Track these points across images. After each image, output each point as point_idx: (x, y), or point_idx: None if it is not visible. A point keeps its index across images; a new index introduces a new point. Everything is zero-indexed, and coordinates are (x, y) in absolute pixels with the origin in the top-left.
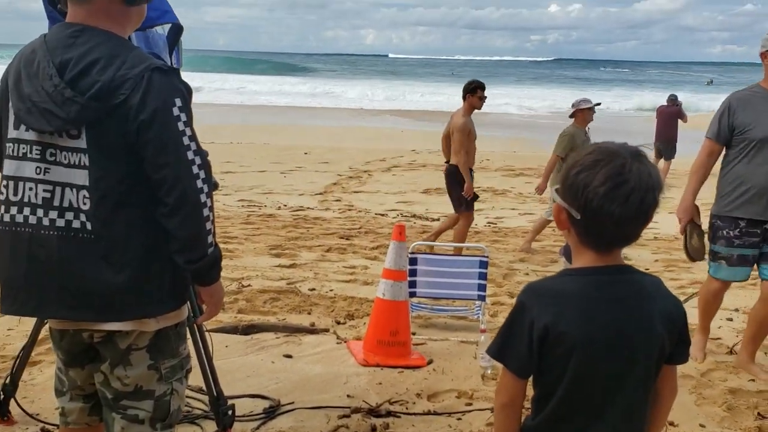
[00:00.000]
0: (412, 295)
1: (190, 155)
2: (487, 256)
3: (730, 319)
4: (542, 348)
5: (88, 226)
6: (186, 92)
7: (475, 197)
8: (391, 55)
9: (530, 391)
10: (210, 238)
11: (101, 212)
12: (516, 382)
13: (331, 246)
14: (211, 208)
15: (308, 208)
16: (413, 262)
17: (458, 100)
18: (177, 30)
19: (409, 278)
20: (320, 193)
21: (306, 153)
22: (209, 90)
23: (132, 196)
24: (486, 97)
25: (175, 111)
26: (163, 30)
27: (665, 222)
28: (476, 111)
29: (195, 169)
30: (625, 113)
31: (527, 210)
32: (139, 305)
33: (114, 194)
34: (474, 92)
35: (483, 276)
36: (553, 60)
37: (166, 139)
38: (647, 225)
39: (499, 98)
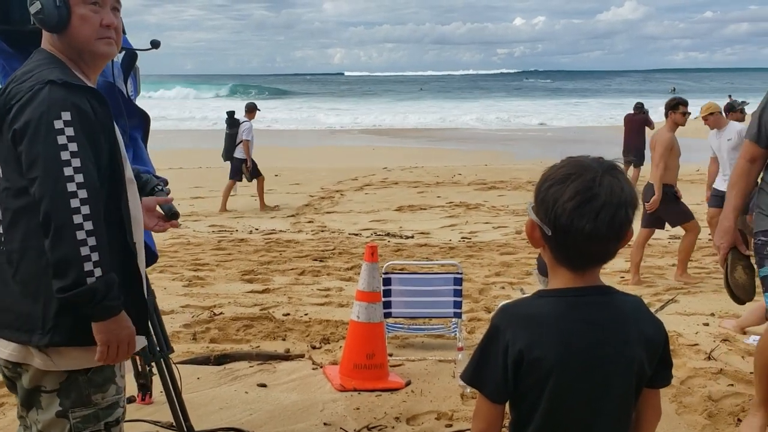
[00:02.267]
0: (388, 315)
1: (67, 171)
2: (461, 273)
3: (707, 324)
4: (517, 373)
5: None
6: (88, 109)
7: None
8: (347, 73)
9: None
10: (89, 266)
11: (4, 225)
12: (492, 408)
13: (304, 269)
14: (97, 232)
15: (280, 230)
16: (387, 282)
17: (430, 117)
18: (132, 56)
19: (383, 298)
20: (292, 215)
21: (276, 175)
22: (173, 117)
23: (28, 211)
24: (689, 113)
25: (58, 124)
26: (117, 58)
27: (637, 228)
28: (443, 126)
29: (71, 187)
30: (590, 122)
31: (501, 223)
32: (22, 329)
33: (12, 207)
34: (676, 108)
35: (458, 293)
36: (519, 72)
37: (37, 152)
38: (622, 242)
39: (467, 112)
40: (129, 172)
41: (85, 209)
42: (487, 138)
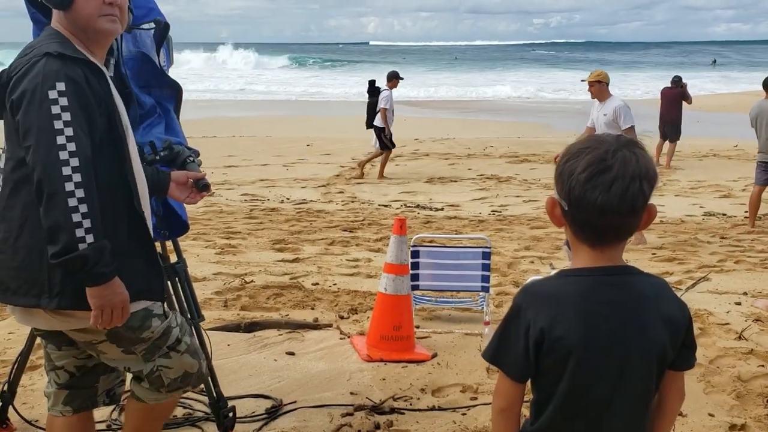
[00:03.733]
0: (415, 288)
1: (59, 140)
2: (490, 247)
3: (739, 303)
4: (539, 352)
5: None
6: (82, 80)
7: None
8: (371, 43)
9: (529, 395)
10: (80, 232)
11: (4, 194)
12: (513, 387)
13: (334, 239)
14: (88, 200)
15: (311, 201)
16: (415, 254)
17: (463, 88)
18: (164, 27)
19: (411, 271)
20: (323, 186)
21: (308, 145)
22: (207, 87)
23: (29, 182)
24: None
25: (53, 94)
26: (150, 28)
27: (671, 205)
28: (476, 97)
29: (63, 155)
30: (631, 95)
31: (531, 197)
32: (30, 293)
33: (13, 178)
34: None
35: (486, 267)
36: (555, 43)
37: (31, 121)
38: (639, 218)
39: (499, 83)
40: (131, 147)
41: (77, 177)
42: (521, 109)
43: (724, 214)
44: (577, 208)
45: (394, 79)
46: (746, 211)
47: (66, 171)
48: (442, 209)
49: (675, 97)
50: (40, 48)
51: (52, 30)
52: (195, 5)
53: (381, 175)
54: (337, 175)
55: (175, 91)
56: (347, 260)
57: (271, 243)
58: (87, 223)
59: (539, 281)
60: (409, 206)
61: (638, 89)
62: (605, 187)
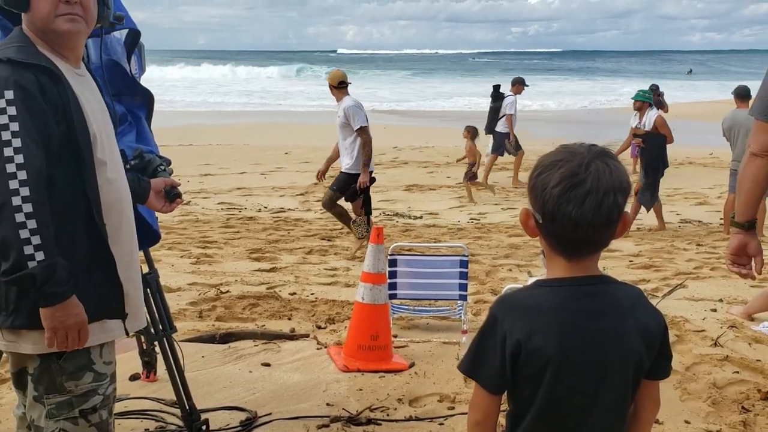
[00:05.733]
0: (393, 296)
1: (6, 152)
2: (467, 255)
3: (714, 310)
4: (515, 364)
5: None
6: (32, 86)
7: None
8: (339, 51)
9: (505, 405)
10: (29, 249)
11: None
12: (489, 399)
13: (312, 248)
14: (38, 215)
15: (289, 209)
16: (393, 263)
17: (441, 96)
18: (135, 35)
19: (389, 280)
20: (301, 194)
21: (286, 153)
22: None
23: None
24: None
25: (0, 103)
26: (120, 35)
27: (649, 212)
28: (453, 108)
29: (10, 168)
30: (606, 104)
31: (510, 205)
32: None
33: None
34: None
35: (464, 275)
36: (533, 52)
37: None
38: (614, 229)
39: (478, 92)
40: (101, 154)
41: (24, 191)
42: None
43: (700, 221)
44: (552, 222)
45: (518, 84)
46: (721, 218)
47: (13, 185)
48: (420, 217)
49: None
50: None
51: (18, 32)
52: (172, 12)
53: (516, 181)
54: (316, 183)
55: (146, 99)
56: (325, 269)
57: (247, 252)
58: (36, 240)
59: (515, 292)
60: (388, 214)
61: (614, 97)
62: (579, 201)
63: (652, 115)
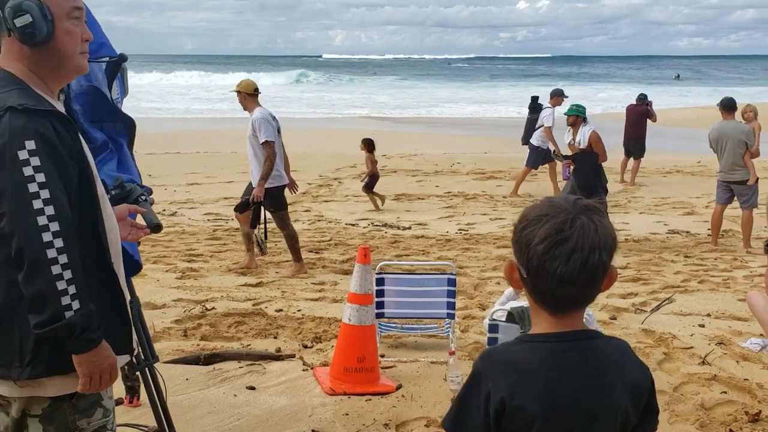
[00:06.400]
0: (380, 315)
1: (36, 204)
2: (455, 273)
3: (702, 326)
4: (499, 422)
5: None
6: (52, 135)
7: None
8: (325, 56)
9: None
10: (66, 300)
11: None
12: None
13: None
14: (72, 264)
15: None
16: (380, 282)
17: (431, 101)
18: (115, 64)
19: (376, 298)
20: (289, 204)
21: None
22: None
23: None
24: None
25: (23, 155)
26: (100, 63)
27: (636, 222)
28: (441, 114)
29: (42, 220)
30: (594, 109)
31: (498, 215)
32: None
33: None
34: None
35: (452, 294)
36: (522, 57)
37: (3, 186)
38: (597, 286)
39: (467, 97)
40: (101, 188)
41: (59, 242)
42: (488, 124)
43: (687, 232)
44: (536, 278)
45: (557, 96)
46: (709, 229)
47: (47, 237)
48: (409, 228)
49: (640, 114)
50: (0, 101)
51: (7, 75)
52: (160, 17)
53: (515, 193)
54: (304, 193)
55: (128, 126)
56: (312, 283)
57: (234, 265)
58: (72, 289)
59: (499, 347)
60: (377, 225)
61: (601, 103)
62: (564, 259)
63: (586, 131)
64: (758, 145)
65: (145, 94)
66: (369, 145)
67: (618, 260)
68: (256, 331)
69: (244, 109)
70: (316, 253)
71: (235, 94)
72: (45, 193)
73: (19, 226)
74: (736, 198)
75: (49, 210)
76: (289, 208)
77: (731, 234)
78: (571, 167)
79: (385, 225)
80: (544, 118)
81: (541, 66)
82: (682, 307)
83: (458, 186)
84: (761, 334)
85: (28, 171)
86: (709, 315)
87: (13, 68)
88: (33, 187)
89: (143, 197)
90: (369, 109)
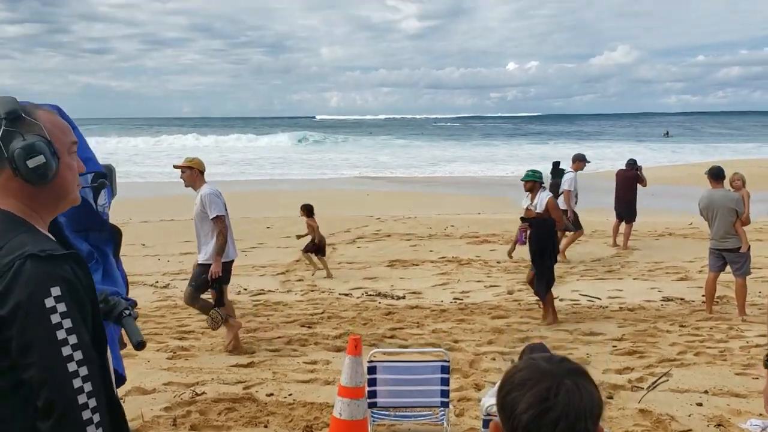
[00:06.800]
0: (372, 405)
1: (65, 351)
2: (449, 360)
3: (700, 404)
4: None
5: None
6: (73, 277)
7: None
8: (318, 117)
9: None
10: None
11: None
12: None
13: (291, 337)
14: (100, 407)
15: (269, 290)
16: (372, 370)
17: (425, 161)
18: (100, 176)
19: (368, 387)
20: (282, 273)
21: (268, 227)
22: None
23: (6, 393)
24: None
25: (49, 302)
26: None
27: (630, 289)
28: (435, 174)
29: (71, 366)
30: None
31: (493, 282)
32: None
33: None
34: None
35: (445, 381)
36: (513, 117)
37: (30, 336)
38: None
39: (460, 157)
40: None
41: (88, 386)
42: (482, 183)
43: (682, 299)
44: None
45: (579, 161)
46: (703, 296)
47: (77, 383)
48: (403, 297)
49: (630, 179)
50: (13, 246)
51: (9, 216)
52: (157, 81)
53: (563, 254)
54: (297, 261)
55: (114, 234)
56: (304, 362)
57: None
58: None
59: None
60: (371, 295)
61: (597, 162)
62: (550, 427)
63: (543, 197)
64: (748, 212)
65: (143, 158)
66: (308, 210)
67: (613, 331)
68: (246, 419)
69: (189, 185)
70: (309, 327)
71: (181, 168)
72: (73, 338)
73: (50, 377)
74: (729, 265)
75: (78, 355)
76: (282, 277)
77: (726, 300)
78: (527, 232)
79: (379, 294)
80: (566, 182)
81: (532, 125)
82: (679, 383)
83: (452, 251)
84: (761, 414)
85: (55, 318)
86: (706, 392)
87: (9, 206)
88: (61, 334)
89: (127, 311)
90: (362, 170)
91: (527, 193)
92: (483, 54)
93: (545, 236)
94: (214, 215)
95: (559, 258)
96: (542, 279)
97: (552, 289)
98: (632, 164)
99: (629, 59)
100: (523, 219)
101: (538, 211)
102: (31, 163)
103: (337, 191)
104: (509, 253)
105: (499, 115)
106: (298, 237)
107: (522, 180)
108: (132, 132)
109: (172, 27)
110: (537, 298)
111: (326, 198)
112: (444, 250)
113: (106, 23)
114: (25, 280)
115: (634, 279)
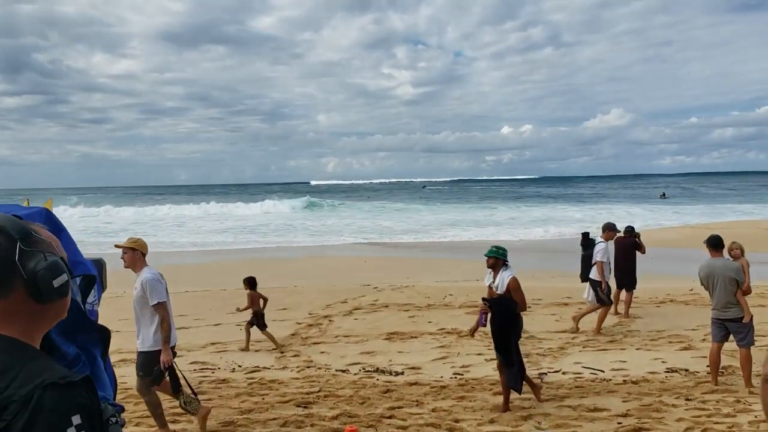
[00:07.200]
0: None
1: None
2: None
3: None
4: None
5: None
6: (90, 402)
7: None
8: (312, 182)
9: None
10: None
11: None
12: None
13: (287, 419)
14: None
15: (264, 367)
16: None
17: (420, 226)
18: (90, 278)
19: None
20: (277, 348)
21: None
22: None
23: None
24: None
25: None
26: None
27: (633, 360)
28: (433, 239)
29: None
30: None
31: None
32: None
33: None
34: None
35: None
36: (509, 179)
37: None
38: None
39: (457, 221)
40: None
41: None
42: (479, 247)
43: (686, 370)
44: None
45: (610, 230)
46: (708, 366)
47: None
48: (402, 373)
49: (629, 246)
50: (29, 375)
51: (8, 341)
52: (154, 150)
53: (597, 332)
54: (293, 335)
55: (102, 334)
56: None
57: (219, 425)
58: None
59: None
60: (368, 371)
61: (587, 224)
62: None
63: (506, 276)
64: (749, 281)
65: (140, 226)
66: (250, 283)
67: (618, 406)
68: None
69: (129, 267)
70: (305, 407)
71: (122, 248)
72: None
73: None
74: (732, 335)
75: None
76: (276, 353)
77: (731, 371)
78: (488, 314)
79: (377, 370)
80: (598, 253)
81: (528, 188)
82: None
83: (451, 321)
84: None
85: None
86: None
87: (12, 332)
88: None
89: (114, 419)
90: (367, 235)
91: (489, 269)
92: (477, 118)
93: (507, 320)
94: (155, 302)
95: (571, 327)
96: (512, 368)
97: (551, 363)
98: (630, 231)
99: (623, 122)
100: (484, 299)
101: (499, 291)
102: (57, 282)
103: (333, 259)
104: (471, 333)
105: (495, 177)
106: (238, 310)
107: (485, 256)
108: (127, 201)
109: (170, 96)
110: (538, 372)
111: (323, 266)
112: (443, 320)
113: (105, 93)
114: (48, 411)
115: (636, 349)
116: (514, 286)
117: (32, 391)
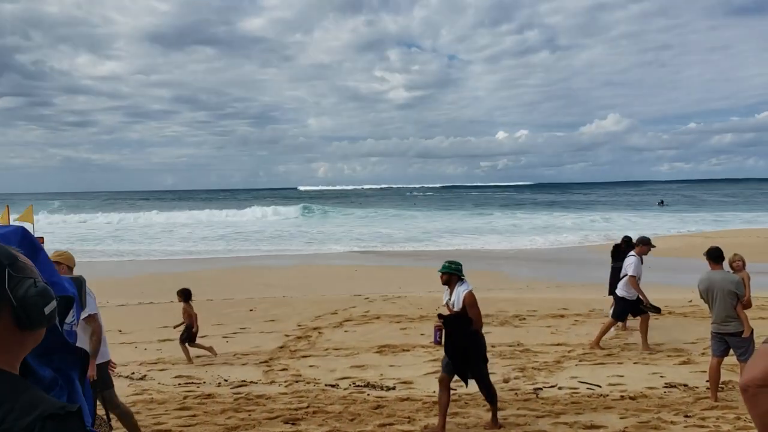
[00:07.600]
0: None
1: None
2: None
3: None
4: None
5: None
6: (83, 428)
7: None
8: (300, 188)
9: None
10: None
11: None
12: None
13: None
14: None
15: (251, 382)
16: None
17: (413, 233)
18: (68, 300)
19: None
20: (265, 362)
21: (251, 310)
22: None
23: None
24: None
25: None
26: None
27: (631, 375)
28: (425, 247)
29: None
30: (582, 240)
31: (489, 369)
32: None
33: None
34: None
35: None
36: (503, 186)
37: None
38: None
39: (451, 229)
40: None
41: None
42: (473, 256)
43: (685, 385)
44: None
45: (643, 245)
46: (707, 381)
47: None
48: (393, 388)
49: (626, 256)
50: (26, 407)
51: (4, 374)
52: (140, 154)
53: (596, 344)
54: (281, 347)
55: (81, 356)
56: None
57: None
58: None
59: None
60: (359, 386)
61: (584, 233)
62: None
63: (461, 292)
64: (749, 295)
65: (125, 232)
66: (184, 296)
67: (615, 423)
68: None
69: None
70: (293, 424)
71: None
72: None
73: None
74: (732, 350)
75: None
76: (265, 366)
77: (731, 386)
78: (442, 331)
79: (368, 385)
80: (629, 266)
81: (525, 194)
82: None
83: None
84: None
85: None
86: None
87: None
88: None
89: None
90: (366, 243)
91: (445, 286)
92: (472, 123)
93: (462, 337)
94: (87, 314)
95: (592, 344)
96: (482, 383)
97: (543, 378)
98: (627, 241)
99: (620, 127)
100: (439, 315)
101: (456, 308)
102: (48, 309)
103: (322, 268)
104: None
105: (490, 184)
106: (175, 327)
107: (439, 272)
108: (113, 207)
109: (156, 99)
110: (533, 387)
111: (313, 275)
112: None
113: (89, 96)
114: None
115: (634, 363)
116: (469, 301)
117: (33, 423)
